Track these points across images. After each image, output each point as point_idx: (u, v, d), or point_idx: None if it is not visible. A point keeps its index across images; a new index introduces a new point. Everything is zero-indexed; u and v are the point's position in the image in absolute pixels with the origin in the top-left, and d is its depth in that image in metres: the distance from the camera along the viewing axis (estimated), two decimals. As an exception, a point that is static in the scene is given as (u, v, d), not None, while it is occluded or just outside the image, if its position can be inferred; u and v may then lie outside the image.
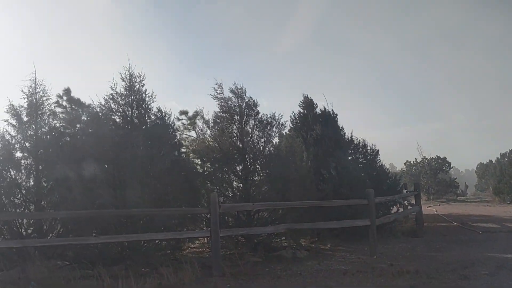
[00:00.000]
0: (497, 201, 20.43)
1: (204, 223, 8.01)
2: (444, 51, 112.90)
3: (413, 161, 29.66)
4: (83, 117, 8.13)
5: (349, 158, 10.42)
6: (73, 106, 10.06)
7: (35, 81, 7.26)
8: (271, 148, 8.47)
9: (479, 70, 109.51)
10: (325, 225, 7.80)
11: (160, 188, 7.08)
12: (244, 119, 8.26)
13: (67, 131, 7.80)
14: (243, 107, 8.27)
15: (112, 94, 7.42)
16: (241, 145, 8.16)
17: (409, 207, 11.65)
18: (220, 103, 8.31)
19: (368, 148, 11.04)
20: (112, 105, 7.46)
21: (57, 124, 7.66)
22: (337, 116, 10.63)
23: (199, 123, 8.71)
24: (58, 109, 10.09)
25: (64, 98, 10.51)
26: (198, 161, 8.43)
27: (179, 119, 10.98)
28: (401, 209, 12.21)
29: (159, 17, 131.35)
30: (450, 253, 7.44)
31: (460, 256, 7.00)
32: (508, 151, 29.33)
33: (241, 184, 8.26)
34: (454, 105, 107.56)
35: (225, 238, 7.44)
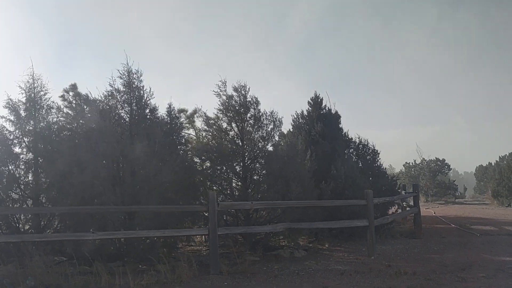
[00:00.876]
0: (495, 204, 20.45)
1: (203, 221, 8.01)
2: (445, 52, 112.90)
3: (412, 163, 29.70)
4: (88, 114, 8.09)
5: (351, 158, 10.42)
6: (79, 102, 9.99)
7: (32, 76, 7.26)
8: (271, 147, 8.47)
9: (479, 72, 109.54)
10: (324, 225, 7.80)
11: (162, 185, 7.07)
12: (245, 117, 8.24)
13: (69, 126, 7.78)
14: (245, 105, 8.24)
15: (111, 91, 7.41)
16: (240, 144, 8.15)
17: (408, 209, 11.65)
18: (222, 100, 8.28)
19: (369, 149, 11.06)
20: (112, 102, 7.45)
21: (60, 119, 7.64)
22: (340, 118, 10.64)
23: (198, 121, 8.69)
24: (63, 104, 10.05)
25: (71, 93, 10.46)
26: (197, 160, 8.41)
27: (177, 117, 10.93)
28: (399, 210, 12.22)
29: (158, 14, 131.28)
30: (448, 255, 7.44)
31: (458, 258, 7.00)
32: (508, 154, 29.36)
33: (240, 183, 8.25)
34: (454, 108, 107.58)
35: (223, 236, 7.42)
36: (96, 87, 8.09)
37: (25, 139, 7.10)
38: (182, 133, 8.35)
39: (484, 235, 9.68)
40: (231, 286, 5.57)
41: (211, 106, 8.44)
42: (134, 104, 7.47)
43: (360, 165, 10.68)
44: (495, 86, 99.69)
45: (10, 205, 6.88)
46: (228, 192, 8.35)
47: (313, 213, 7.98)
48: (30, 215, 7.12)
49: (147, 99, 7.60)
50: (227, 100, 8.26)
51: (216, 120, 8.34)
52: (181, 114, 10.66)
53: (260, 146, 8.30)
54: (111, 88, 7.41)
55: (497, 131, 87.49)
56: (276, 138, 8.67)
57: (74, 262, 5.91)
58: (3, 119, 7.07)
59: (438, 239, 9.31)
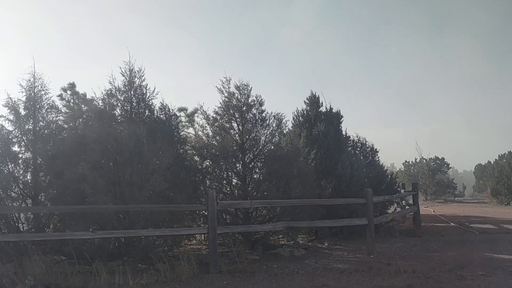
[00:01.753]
0: (494, 203, 20.49)
1: (202, 220, 8.00)
2: (442, 50, 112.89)
3: (412, 161, 29.73)
4: (87, 113, 8.09)
5: (352, 157, 10.43)
6: (77, 101, 9.96)
7: (33, 75, 7.23)
8: (271, 146, 8.46)
9: (478, 71, 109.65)
10: (323, 224, 7.80)
11: (161, 184, 7.07)
12: (247, 116, 8.23)
13: (69, 125, 7.77)
14: (247, 104, 8.23)
15: (110, 89, 7.39)
16: (241, 142, 8.14)
17: (407, 207, 11.67)
18: (223, 98, 8.26)
19: (368, 147, 11.08)
20: (112, 100, 7.43)
21: (59, 118, 7.63)
22: (342, 117, 10.62)
23: (199, 119, 8.68)
24: (61, 103, 10.04)
25: (68, 92, 10.43)
26: (196, 158, 8.40)
27: (177, 116, 10.93)
28: (399, 209, 12.24)
29: (158, 12, 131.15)
30: (447, 253, 7.45)
31: (457, 257, 7.01)
32: (507, 153, 29.38)
33: (239, 182, 8.25)
34: (452, 106, 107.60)
35: (222, 235, 7.43)
36: (96, 86, 8.09)
37: (24, 138, 7.08)
38: (182, 132, 8.35)
39: (483, 234, 9.70)
40: (230, 285, 5.57)
41: (212, 105, 8.45)
42: (134, 102, 7.46)
43: (362, 163, 10.70)
44: (495, 85, 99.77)
45: (10, 204, 6.87)
46: (228, 191, 8.35)
47: (313, 211, 7.98)
48: (30, 214, 7.12)
49: (149, 98, 7.59)
50: (228, 98, 8.24)
51: (217, 118, 8.33)
52: (181, 112, 10.66)
53: (261, 145, 8.29)
54: (111, 86, 7.41)
55: (496, 130, 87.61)
56: (277, 137, 8.67)
57: (74, 261, 5.90)
58: (2, 118, 7.06)
59: (437, 238, 9.32)
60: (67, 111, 9.17)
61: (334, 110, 10.55)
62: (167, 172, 7.15)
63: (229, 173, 8.25)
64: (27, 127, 7.10)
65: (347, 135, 10.82)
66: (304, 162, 8.59)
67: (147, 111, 7.63)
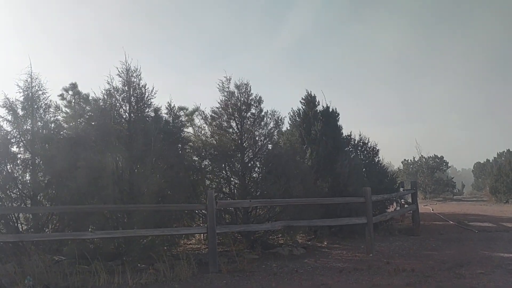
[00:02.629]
0: (493, 201, 20.52)
1: (201, 219, 8.00)
2: (441, 48, 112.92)
3: (411, 160, 29.75)
4: (88, 113, 8.07)
5: (350, 156, 10.43)
6: (80, 102, 9.96)
7: (30, 75, 7.21)
8: (270, 145, 8.46)
9: (476, 69, 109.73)
10: (322, 223, 7.81)
11: (162, 183, 7.07)
12: (246, 115, 8.23)
13: (69, 125, 7.76)
14: (247, 103, 8.23)
15: (109, 90, 7.39)
16: (240, 142, 8.14)
17: (406, 206, 11.67)
18: (223, 97, 8.27)
19: (368, 146, 11.08)
20: (111, 100, 7.42)
21: (58, 117, 7.63)
22: (339, 115, 10.61)
23: (198, 119, 8.68)
24: (63, 103, 10.02)
25: (70, 92, 10.42)
26: (196, 158, 8.40)
27: (178, 116, 10.91)
28: (398, 208, 12.25)
29: (157, 11, 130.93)
30: (446, 251, 7.47)
31: (456, 255, 7.02)
32: (505, 151, 29.44)
33: (239, 181, 8.25)
34: (450, 104, 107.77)
35: (222, 234, 7.43)
36: (97, 86, 8.06)
37: (23, 139, 7.07)
38: (182, 131, 8.35)
39: (482, 232, 9.72)
40: (230, 285, 5.58)
41: (210, 105, 8.45)
42: (133, 102, 7.44)
43: (362, 162, 10.70)
44: (493, 84, 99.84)
45: (10, 205, 6.87)
46: (227, 190, 8.36)
47: (312, 210, 7.99)
48: (29, 215, 7.12)
49: (148, 97, 7.57)
50: (228, 97, 8.25)
51: (215, 117, 8.33)
52: (181, 112, 10.67)
53: (260, 144, 8.30)
54: (109, 87, 7.40)
55: (495, 128, 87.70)
56: (276, 136, 8.67)
57: (73, 261, 5.90)
58: (1, 119, 7.04)
59: (436, 236, 9.33)
60: (68, 111, 9.17)
61: (330, 109, 10.54)
62: (167, 171, 7.16)
63: (228, 172, 8.26)
64: (25, 127, 7.09)
65: (349, 134, 10.82)
66: (302, 161, 8.59)
67: (147, 110, 7.62)
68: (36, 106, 7.20)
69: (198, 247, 8.47)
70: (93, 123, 7.46)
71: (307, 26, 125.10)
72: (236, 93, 8.25)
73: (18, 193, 7.00)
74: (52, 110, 7.45)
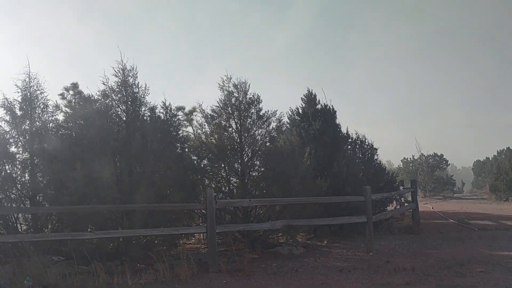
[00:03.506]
0: (493, 199, 20.53)
1: (201, 219, 7.99)
2: (440, 47, 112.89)
3: (410, 158, 29.78)
4: (85, 113, 8.04)
5: (351, 154, 10.42)
6: (80, 101, 9.95)
7: (29, 75, 7.16)
8: (269, 144, 8.44)
9: (475, 67, 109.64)
10: (322, 222, 7.80)
11: (161, 183, 7.06)
12: (245, 114, 8.21)
13: (68, 125, 7.73)
14: (245, 102, 8.20)
15: (104, 90, 7.36)
16: (239, 141, 8.13)
17: (406, 204, 11.67)
18: (222, 97, 8.25)
19: (366, 145, 11.07)
20: (108, 100, 7.40)
21: (57, 117, 7.60)
22: (336, 113, 10.59)
23: (197, 118, 8.67)
24: (63, 102, 10.01)
25: (71, 92, 10.42)
26: (194, 157, 8.39)
27: (177, 115, 10.92)
28: (398, 206, 12.24)
29: (155, 10, 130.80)
30: (446, 250, 7.46)
31: (456, 253, 7.02)
32: (505, 149, 29.41)
33: (238, 180, 8.23)
34: (449, 102, 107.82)
35: (221, 234, 7.42)
36: (97, 86, 8.01)
37: (21, 139, 7.05)
38: (180, 131, 8.32)
39: (482, 230, 9.71)
40: (230, 284, 5.57)
41: (210, 104, 8.43)
42: (129, 102, 7.41)
43: (359, 160, 10.69)
44: (493, 81, 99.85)
45: (9, 205, 6.85)
46: (227, 189, 8.34)
47: (312, 209, 7.98)
48: (28, 215, 7.10)
49: (142, 96, 7.53)
50: (227, 97, 8.23)
51: (215, 116, 8.31)
52: (179, 112, 10.67)
53: (259, 143, 8.29)
54: (105, 87, 7.36)
55: (494, 126, 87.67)
56: (275, 135, 8.66)
57: (72, 261, 5.89)
58: (-1, 118, 7.02)
59: (436, 235, 9.33)
60: (69, 111, 9.14)
61: (330, 107, 10.53)
62: (166, 171, 7.14)
63: (228, 171, 8.24)
64: (23, 127, 7.06)
65: (347, 132, 10.81)
66: (302, 160, 8.58)
67: (144, 110, 7.59)
68: (34, 106, 7.17)
69: (198, 246, 8.46)
70: (88, 123, 7.42)
71: (306, 26, 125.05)
72: (235, 92, 8.23)
73: (17, 193, 6.97)
74: (50, 110, 7.42)
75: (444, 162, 28.72)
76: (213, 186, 8.14)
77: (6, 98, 7.03)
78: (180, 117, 9.83)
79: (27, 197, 6.99)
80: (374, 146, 11.16)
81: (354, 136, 11.02)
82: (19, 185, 7.00)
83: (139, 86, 7.50)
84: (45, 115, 7.28)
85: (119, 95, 7.37)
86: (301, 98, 10.76)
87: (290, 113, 10.72)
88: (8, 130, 7.00)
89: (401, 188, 12.63)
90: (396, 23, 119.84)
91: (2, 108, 7.01)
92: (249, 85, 8.25)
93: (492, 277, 5.38)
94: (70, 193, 6.64)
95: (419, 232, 9.67)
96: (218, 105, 8.27)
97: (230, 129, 8.25)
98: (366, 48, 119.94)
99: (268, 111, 8.39)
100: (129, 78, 7.41)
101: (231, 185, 8.35)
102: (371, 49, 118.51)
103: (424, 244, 8.20)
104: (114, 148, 7.04)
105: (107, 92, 7.34)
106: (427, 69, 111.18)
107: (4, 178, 6.85)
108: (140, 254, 6.71)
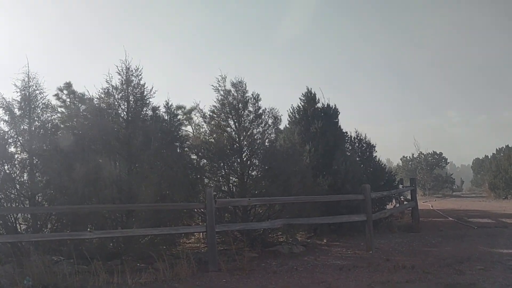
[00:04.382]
0: (492, 197, 20.57)
1: (200, 218, 7.99)
2: (439, 46, 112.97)
3: (410, 157, 29.80)
4: (84, 112, 8.03)
5: (348, 153, 10.42)
6: (74, 100, 9.91)
7: (28, 75, 7.15)
8: (268, 143, 8.44)
9: (474, 66, 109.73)
10: (321, 220, 7.80)
11: (162, 183, 7.06)
12: (243, 113, 8.20)
13: (65, 125, 7.72)
14: (244, 101, 8.19)
15: (107, 88, 7.35)
16: (238, 140, 8.12)
17: (405, 203, 11.68)
18: (220, 96, 8.23)
19: (364, 143, 11.07)
20: (109, 99, 7.38)
21: (54, 117, 7.58)
22: (338, 113, 10.57)
23: (196, 117, 8.66)
24: (57, 102, 9.98)
25: (65, 92, 10.37)
26: (194, 157, 8.39)
27: (177, 115, 10.89)
28: (397, 205, 12.26)
29: (153, 10, 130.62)
30: (445, 248, 7.47)
31: (456, 251, 7.02)
32: (504, 147, 29.42)
33: (237, 179, 8.23)
34: (448, 101, 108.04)
35: (221, 233, 7.42)
36: (93, 85, 7.98)
37: (20, 139, 7.04)
38: (180, 130, 8.32)
39: (482, 228, 9.73)
40: (229, 283, 5.57)
41: (209, 102, 8.43)
42: (132, 101, 7.40)
43: (358, 159, 10.69)
44: (493, 80, 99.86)
45: (8, 205, 6.85)
46: (226, 189, 8.34)
47: (312, 208, 7.98)
48: (27, 215, 7.09)
49: (147, 96, 7.53)
50: (225, 96, 8.21)
51: (213, 116, 8.30)
52: (179, 111, 10.66)
53: (258, 142, 8.28)
54: (108, 85, 7.35)
55: (493, 124, 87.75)
56: (274, 134, 8.65)
57: (72, 261, 5.88)
58: (-2, 118, 7.01)
59: (435, 233, 9.34)
60: (64, 110, 9.13)
61: (332, 106, 10.52)
62: (166, 170, 7.13)
63: (227, 170, 8.24)
64: (22, 127, 7.06)
65: (345, 131, 10.81)
66: (303, 159, 8.58)
67: (145, 109, 7.59)
68: (33, 106, 7.16)
69: (198, 246, 8.45)
70: (87, 123, 7.40)
71: (305, 24, 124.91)
72: (232, 91, 8.22)
73: (16, 193, 6.97)
74: (49, 110, 7.42)
75: (443, 160, 28.73)
76: (213, 185, 8.15)
77: (4, 98, 7.03)
78: (180, 116, 9.84)
79: (26, 197, 6.98)
80: (373, 144, 11.18)
81: (354, 135, 11.04)
82: (18, 185, 6.99)
83: (145, 87, 7.50)
84: (45, 115, 7.27)
85: (121, 94, 7.35)
86: (300, 97, 10.73)
87: (291, 110, 10.70)
88: (7, 130, 7.00)
89: (400, 186, 12.65)
90: (395, 21, 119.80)
91: (1, 108, 7.01)
92: (245, 84, 8.27)
93: (491, 274, 5.38)
94: (69, 193, 6.64)
95: (419, 230, 9.68)
96: (216, 104, 8.27)
97: (229, 128, 8.24)
98: (365, 46, 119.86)
99: (267, 109, 8.39)
100: (133, 77, 7.40)
101: (230, 184, 8.35)
102: (370, 47, 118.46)
103: (423, 242, 8.21)
104: (115, 147, 7.03)
105: (110, 90, 7.32)
106: (427, 68, 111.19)
107: (3, 178, 6.85)
108: (140, 253, 6.71)
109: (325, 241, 8.65)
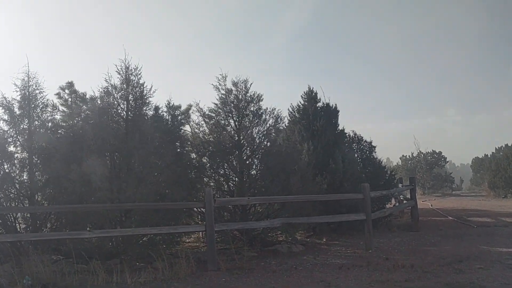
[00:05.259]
0: (492, 196, 20.56)
1: (200, 217, 7.99)
2: (438, 45, 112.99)
3: (409, 156, 29.81)
4: (85, 111, 8.02)
5: (347, 152, 10.42)
6: (77, 101, 9.88)
7: (28, 74, 7.15)
8: (268, 143, 8.43)
9: (472, 65, 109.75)
10: (321, 219, 7.79)
11: (161, 182, 7.05)
12: (244, 112, 8.19)
13: (65, 124, 7.71)
14: (245, 100, 8.18)
15: (106, 87, 7.33)
16: (238, 139, 8.11)
17: (405, 202, 11.69)
18: (220, 95, 8.22)
19: (365, 142, 11.07)
20: (109, 98, 7.37)
21: (56, 117, 7.59)
22: (338, 112, 10.58)
23: (195, 117, 8.64)
24: (59, 101, 9.95)
25: (67, 91, 10.35)
26: (193, 156, 8.38)
27: (176, 115, 10.84)
28: (396, 204, 12.27)
29: (153, 9, 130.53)
30: (445, 247, 7.47)
31: (455, 250, 7.03)
32: (504, 146, 29.42)
33: (237, 178, 8.23)
34: (446, 100, 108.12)
35: (220, 232, 7.42)
36: (94, 84, 8.02)
37: (20, 138, 7.04)
38: (180, 130, 8.31)
39: (481, 227, 9.73)
40: (229, 282, 5.57)
41: (208, 102, 8.42)
42: (131, 100, 7.39)
43: (358, 158, 10.70)
44: (492, 79, 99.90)
45: (8, 204, 6.84)
46: (225, 188, 8.33)
47: (311, 207, 7.98)
48: (27, 214, 7.09)
49: (146, 95, 7.52)
50: (225, 95, 8.20)
51: (213, 115, 8.29)
52: (177, 110, 10.63)
53: (258, 142, 8.27)
54: (107, 84, 7.33)
55: (492, 123, 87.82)
56: (274, 133, 8.64)
57: (71, 260, 5.88)
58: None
59: (435, 232, 9.34)
60: (65, 110, 9.12)
61: (331, 105, 10.52)
62: (165, 170, 7.13)
63: (227, 170, 8.23)
64: (22, 126, 7.06)
65: (343, 130, 10.80)
66: (302, 158, 8.58)
67: (145, 108, 7.58)
68: (33, 105, 7.16)
69: (197, 245, 8.46)
70: (90, 122, 7.40)
71: (306, 19, 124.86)
72: (234, 90, 8.21)
73: (15, 192, 6.97)
74: (49, 110, 7.42)
75: (442, 159, 28.74)
76: (212, 184, 8.15)
77: (4, 97, 7.03)
78: (179, 115, 9.83)
79: (25, 196, 6.98)
80: (372, 143, 11.19)
81: (353, 134, 11.04)
82: (18, 184, 6.99)
83: (145, 86, 7.49)
84: (44, 114, 7.27)
85: (120, 93, 7.34)
86: (301, 95, 10.71)
87: (291, 109, 10.69)
88: (6, 129, 7.01)
89: (400, 185, 12.67)
90: (396, 18, 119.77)
91: (1, 107, 7.01)
92: (248, 83, 8.23)
93: (491, 273, 5.38)
94: (68, 192, 6.63)
95: (418, 229, 9.68)
96: (216, 103, 8.25)
97: (229, 127, 8.23)
98: (365, 44, 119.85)
99: (268, 109, 8.39)
100: (132, 76, 7.38)
101: (230, 184, 8.34)
102: (370, 45, 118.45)
103: (423, 241, 8.21)
104: (114, 146, 7.02)
105: (109, 89, 7.31)
106: (426, 66, 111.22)
107: (3, 177, 6.85)
108: (139, 252, 6.71)
109: (324, 240, 8.65)
